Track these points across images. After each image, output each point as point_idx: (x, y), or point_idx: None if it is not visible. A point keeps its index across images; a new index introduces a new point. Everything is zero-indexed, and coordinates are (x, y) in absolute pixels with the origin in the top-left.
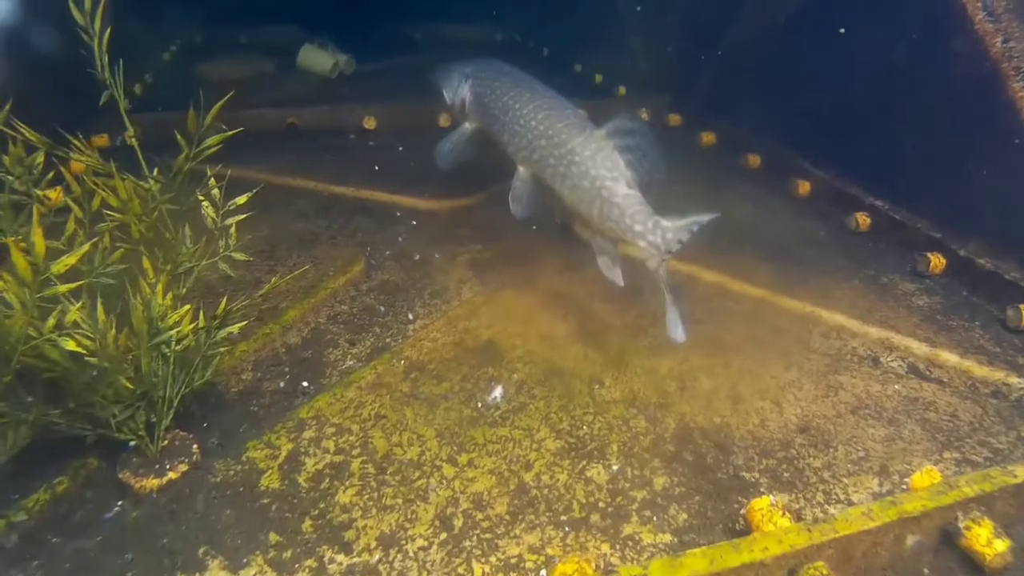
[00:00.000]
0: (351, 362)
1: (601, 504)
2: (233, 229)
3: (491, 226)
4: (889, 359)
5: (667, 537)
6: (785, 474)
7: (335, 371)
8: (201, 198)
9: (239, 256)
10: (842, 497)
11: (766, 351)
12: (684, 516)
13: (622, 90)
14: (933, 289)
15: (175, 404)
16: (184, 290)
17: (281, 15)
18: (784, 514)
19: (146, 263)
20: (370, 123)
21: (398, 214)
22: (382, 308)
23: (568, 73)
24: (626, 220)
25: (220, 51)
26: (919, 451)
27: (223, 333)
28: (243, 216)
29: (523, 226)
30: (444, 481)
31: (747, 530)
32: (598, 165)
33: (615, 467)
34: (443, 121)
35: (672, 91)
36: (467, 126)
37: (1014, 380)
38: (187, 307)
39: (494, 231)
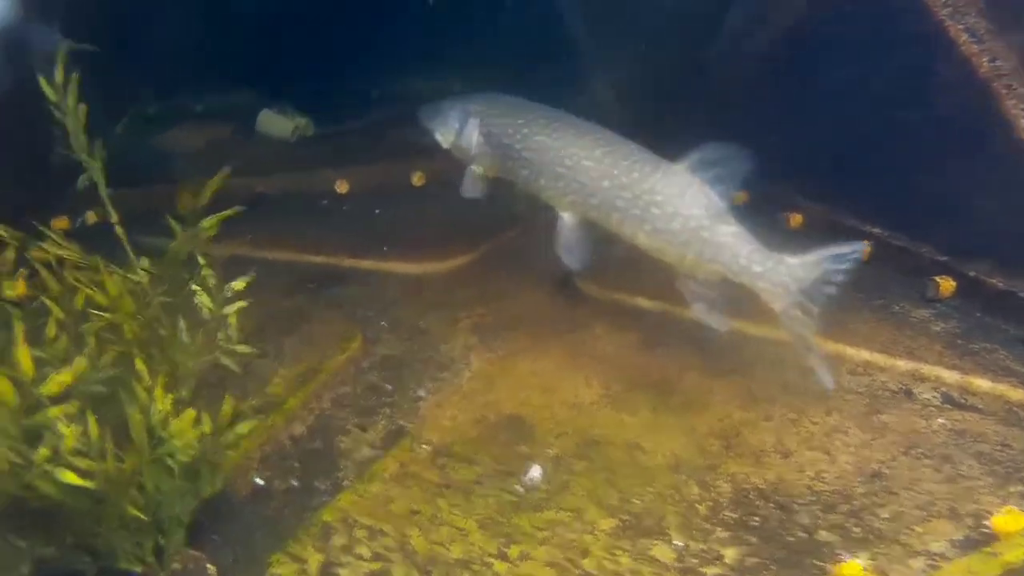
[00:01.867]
0: (367, 451)
1: None
2: (233, 318)
3: (488, 287)
4: (922, 391)
5: None
6: (855, 529)
7: (350, 462)
8: (196, 287)
9: (243, 349)
10: (920, 548)
11: (801, 397)
12: None
13: None
14: (947, 314)
15: (185, 522)
16: (186, 392)
17: (235, 81)
18: None
19: (140, 365)
20: (343, 187)
21: (387, 281)
22: (388, 386)
23: None
24: (740, 261)
25: (175, 121)
26: (983, 488)
27: (232, 435)
28: (243, 303)
29: (522, 285)
30: None
31: None
32: (689, 204)
33: (678, 542)
34: (416, 180)
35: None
36: (474, 169)
37: None
38: (190, 412)
39: (492, 292)
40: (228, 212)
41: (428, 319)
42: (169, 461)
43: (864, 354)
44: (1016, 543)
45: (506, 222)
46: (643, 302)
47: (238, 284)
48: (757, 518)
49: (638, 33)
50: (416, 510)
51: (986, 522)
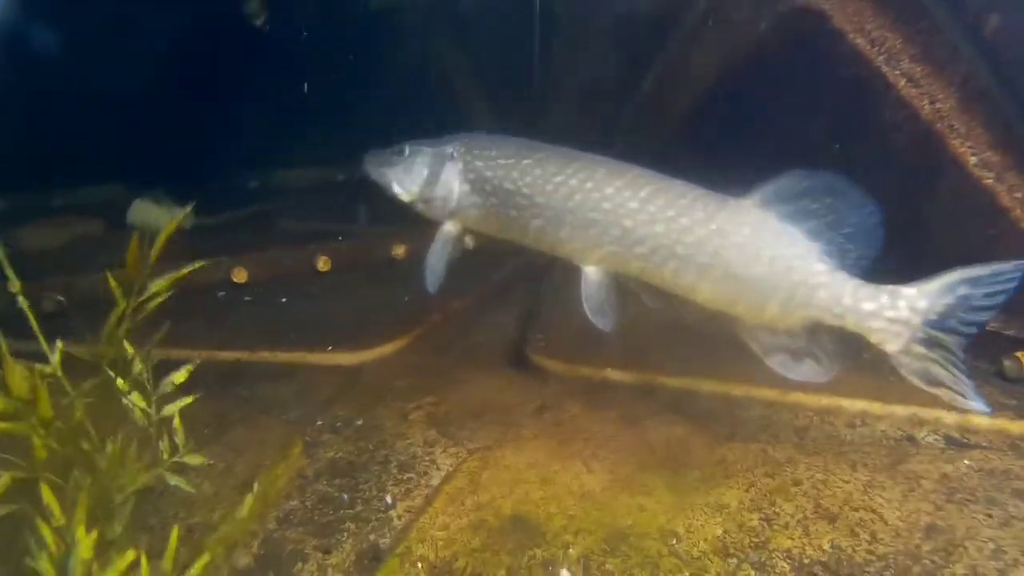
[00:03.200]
0: None
1: None
2: (177, 421)
3: (431, 372)
4: (925, 435)
5: None
6: None
7: None
8: (123, 385)
9: (196, 460)
10: None
11: (820, 456)
12: None
13: None
14: None
15: None
16: (120, 527)
17: (100, 174)
18: None
19: (47, 496)
20: (240, 275)
21: (315, 375)
22: (345, 496)
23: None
24: (844, 301)
25: (31, 217)
26: None
27: None
28: (190, 399)
29: (470, 369)
30: None
31: None
32: (772, 242)
33: None
34: (322, 265)
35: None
36: (449, 228)
37: None
38: (129, 553)
39: (437, 377)
40: (159, 298)
41: (371, 414)
42: None
43: (859, 404)
44: None
45: (432, 304)
46: (613, 374)
47: (178, 376)
48: None
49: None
50: None
51: None
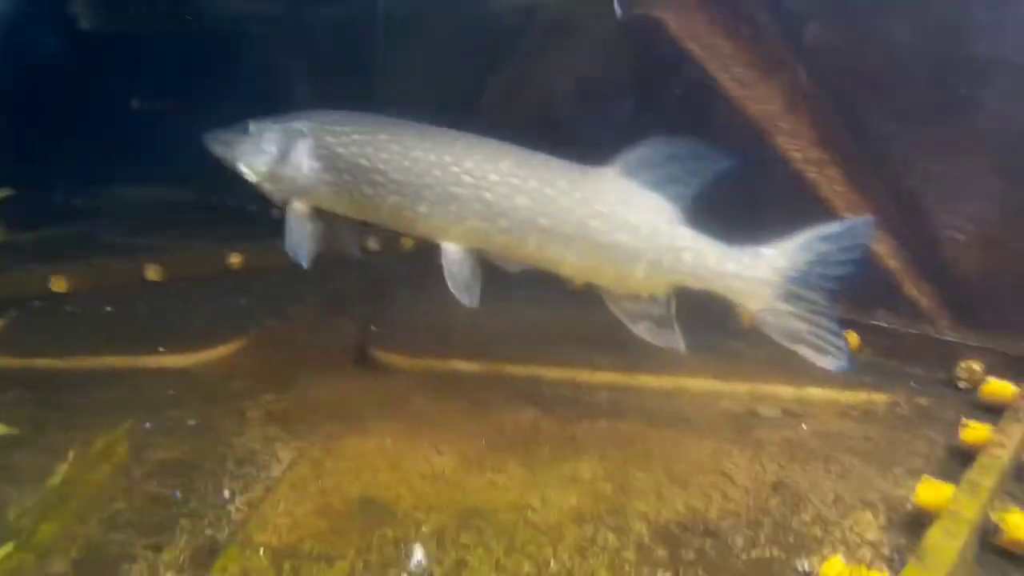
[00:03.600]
0: (171, 575)
1: None
2: None
3: (269, 373)
4: (765, 409)
5: None
6: (790, 539)
7: None
8: None
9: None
10: (860, 541)
11: (668, 430)
12: None
13: None
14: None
15: None
16: None
17: None
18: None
19: None
20: (59, 284)
21: (139, 380)
22: (177, 494)
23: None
24: (708, 264)
25: None
26: (873, 476)
27: None
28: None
29: (310, 369)
30: None
31: None
32: (637, 209)
33: None
34: (151, 274)
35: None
36: (298, 207)
37: (875, 397)
38: None
39: (277, 379)
40: None
41: (205, 413)
42: None
43: (703, 384)
44: (951, 510)
45: (269, 310)
46: (460, 365)
47: None
48: (691, 550)
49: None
50: None
51: (907, 503)
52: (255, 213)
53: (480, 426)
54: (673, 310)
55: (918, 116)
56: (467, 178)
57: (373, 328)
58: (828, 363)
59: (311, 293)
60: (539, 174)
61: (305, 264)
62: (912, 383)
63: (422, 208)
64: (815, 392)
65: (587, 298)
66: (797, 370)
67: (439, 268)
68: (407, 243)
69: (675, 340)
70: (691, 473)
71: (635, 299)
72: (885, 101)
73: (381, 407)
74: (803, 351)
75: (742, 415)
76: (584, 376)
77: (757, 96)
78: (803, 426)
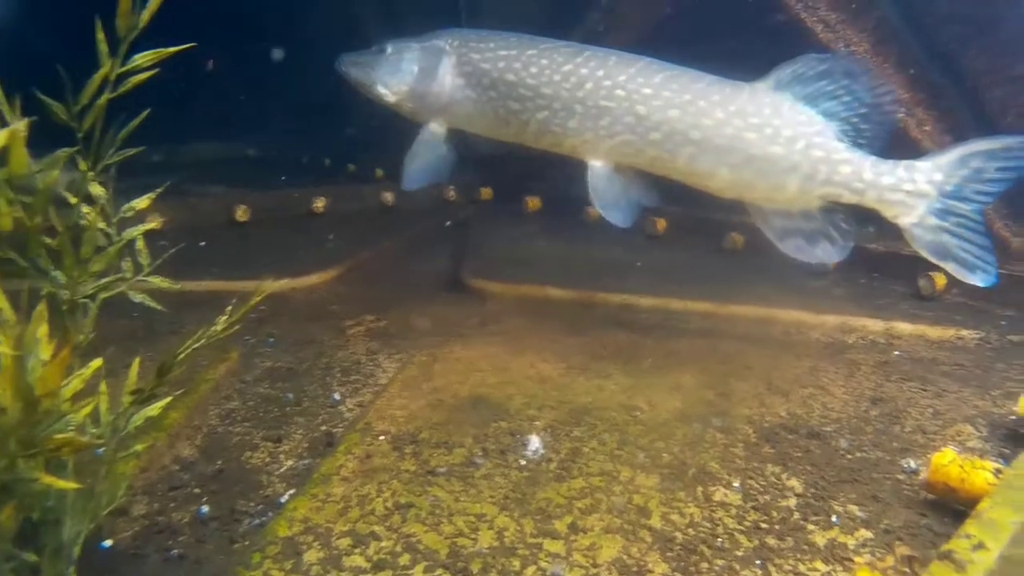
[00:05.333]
0: (292, 462)
1: (763, 525)
2: (142, 243)
3: (365, 297)
4: (854, 340)
5: (866, 533)
6: (893, 443)
7: (275, 477)
8: (73, 198)
9: (161, 283)
10: (962, 448)
11: (766, 348)
12: (854, 508)
13: (379, 172)
14: (838, 282)
15: (75, 555)
16: (84, 337)
17: None
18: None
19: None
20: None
21: (244, 301)
22: (289, 395)
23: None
24: (865, 176)
25: None
26: (969, 396)
27: (139, 418)
28: (153, 224)
29: (404, 296)
30: (560, 560)
31: (946, 494)
32: (791, 122)
33: (736, 483)
34: (240, 215)
35: (474, 167)
36: (435, 128)
37: (965, 332)
38: (97, 362)
39: (373, 301)
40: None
41: (309, 331)
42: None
43: (794, 314)
44: None
45: (360, 245)
46: (554, 292)
47: (140, 202)
48: (798, 449)
49: None
50: (409, 503)
51: (1012, 414)
52: (331, 167)
53: (580, 341)
54: (838, 223)
55: (1016, 50)
56: (620, 92)
57: (473, 263)
58: (977, 279)
59: (397, 233)
60: (693, 88)
61: (411, 187)
62: (1002, 322)
63: (572, 123)
64: (904, 326)
65: (666, 240)
66: (883, 307)
67: (520, 211)
68: (485, 193)
69: (827, 254)
70: (791, 385)
71: (786, 215)
72: (980, 36)
73: (481, 325)
74: (951, 267)
75: (834, 341)
76: (677, 304)
77: (843, 37)
78: (896, 352)
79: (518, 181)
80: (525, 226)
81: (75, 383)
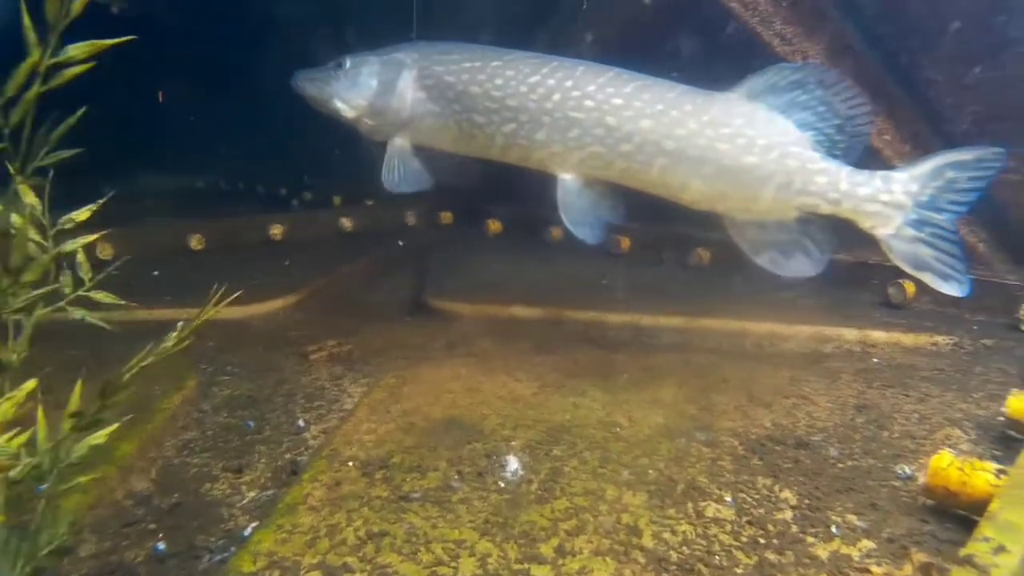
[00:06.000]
0: (254, 492)
1: (760, 539)
2: (81, 256)
3: (326, 323)
4: (830, 350)
5: (869, 543)
6: (883, 451)
7: (237, 509)
8: (19, 218)
9: (105, 298)
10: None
11: (741, 361)
12: (853, 518)
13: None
14: (805, 294)
15: None
16: (16, 354)
17: None
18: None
19: None
20: (106, 252)
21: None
22: (251, 423)
23: (294, 204)
24: (841, 187)
25: None
26: (952, 400)
27: (83, 446)
28: (96, 236)
29: (368, 319)
30: None
31: (946, 498)
32: (765, 132)
33: (728, 498)
34: (195, 243)
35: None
36: (400, 143)
37: (939, 338)
38: (30, 384)
39: (334, 326)
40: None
41: (268, 357)
42: None
43: (766, 326)
44: None
45: (317, 271)
46: (520, 311)
47: (80, 214)
48: (787, 460)
49: None
50: (382, 531)
51: (1000, 415)
52: (285, 197)
53: (552, 360)
54: (814, 235)
55: (966, 59)
56: (589, 102)
57: (435, 286)
58: (952, 289)
59: (357, 258)
60: (665, 97)
61: (397, 190)
62: (974, 327)
63: (540, 135)
64: (878, 334)
65: (630, 258)
66: (855, 316)
67: (482, 234)
68: (445, 217)
69: (803, 267)
70: (772, 396)
71: (760, 226)
72: (931, 46)
73: (448, 347)
74: (927, 277)
75: (811, 352)
76: (647, 320)
77: (800, 51)
78: (874, 360)
79: (478, 205)
80: (488, 248)
81: (4, 407)
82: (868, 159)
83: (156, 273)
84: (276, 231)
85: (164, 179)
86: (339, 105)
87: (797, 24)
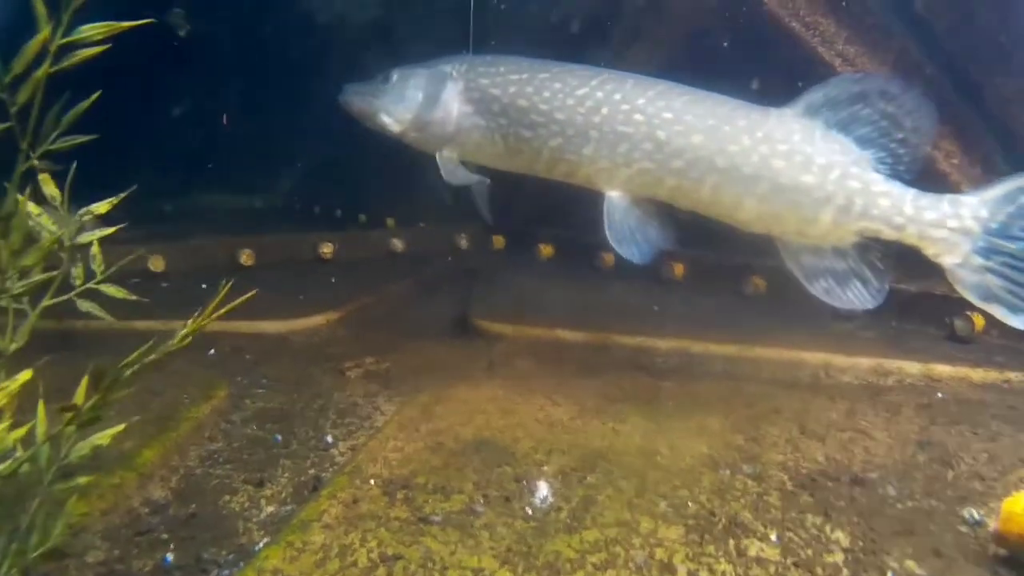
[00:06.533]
0: (272, 508)
1: None
2: (96, 248)
3: (367, 340)
4: (891, 383)
5: None
6: (948, 492)
7: (252, 524)
8: (21, 199)
9: (114, 291)
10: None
11: (795, 391)
12: (912, 564)
13: (390, 221)
14: (867, 325)
15: None
16: (13, 343)
17: None
18: None
19: None
20: (158, 264)
21: (234, 341)
22: (277, 437)
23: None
24: (905, 210)
25: None
26: None
27: (85, 446)
28: (112, 229)
29: (410, 337)
30: None
31: (1020, 547)
32: (824, 150)
33: (773, 536)
34: (245, 259)
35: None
36: (447, 155)
37: (1012, 375)
38: (25, 374)
39: (374, 343)
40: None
41: (304, 372)
42: None
43: (822, 357)
44: None
45: (361, 290)
46: (566, 334)
47: (100, 206)
48: (840, 498)
49: None
50: (397, 555)
51: None
52: (342, 218)
53: (594, 384)
54: (874, 263)
55: None
56: (638, 116)
57: (479, 305)
58: (1014, 322)
59: (404, 278)
60: (717, 112)
61: (460, 183)
62: None
63: (587, 150)
64: (943, 368)
65: (684, 286)
66: (918, 349)
67: (533, 259)
68: (497, 241)
69: (860, 298)
70: (826, 429)
71: (817, 252)
72: (1003, 62)
73: (488, 368)
74: (995, 310)
75: (870, 384)
76: (697, 347)
77: (863, 71)
78: (938, 395)
79: (531, 229)
80: (537, 272)
81: None
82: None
83: (204, 286)
84: (326, 249)
85: (223, 198)
86: (385, 119)
87: (860, 43)
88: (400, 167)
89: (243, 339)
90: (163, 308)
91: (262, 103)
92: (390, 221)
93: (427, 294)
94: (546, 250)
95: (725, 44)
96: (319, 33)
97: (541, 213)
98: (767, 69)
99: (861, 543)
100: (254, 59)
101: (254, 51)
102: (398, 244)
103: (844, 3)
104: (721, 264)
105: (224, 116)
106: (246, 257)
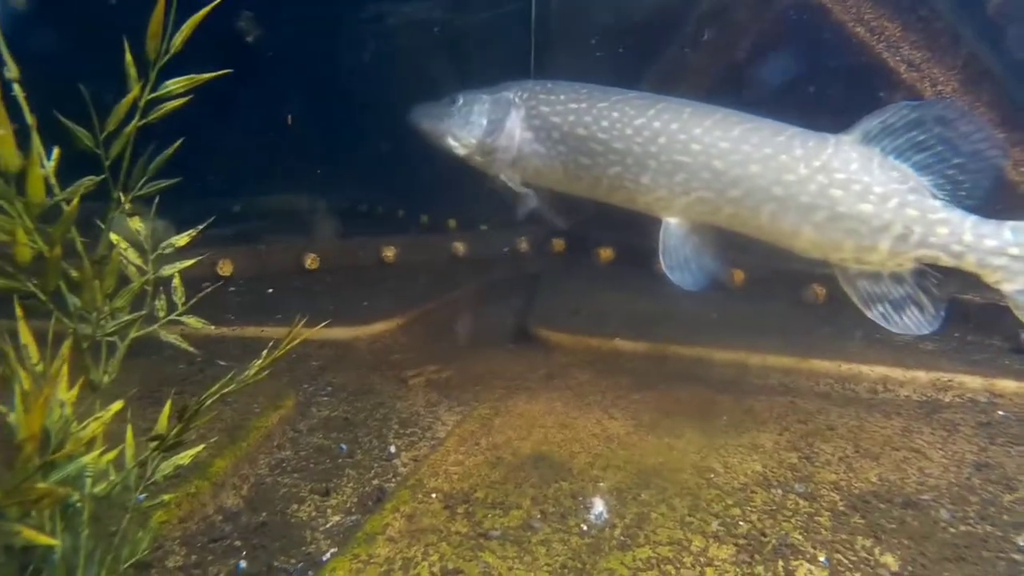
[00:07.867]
0: (338, 518)
1: None
2: (177, 280)
3: (429, 348)
4: (950, 399)
5: None
6: (1004, 517)
7: (319, 533)
8: (115, 238)
9: (195, 323)
10: None
11: (850, 407)
12: None
13: (451, 223)
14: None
15: None
16: (107, 375)
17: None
18: None
19: (24, 334)
20: (226, 268)
21: (300, 348)
22: (343, 447)
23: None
24: (965, 238)
25: None
26: None
27: (168, 466)
28: (191, 262)
29: (470, 345)
30: None
31: None
32: (882, 178)
33: (822, 558)
34: (309, 263)
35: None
36: (510, 175)
37: None
38: (116, 405)
39: (439, 353)
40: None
41: (368, 380)
42: (74, 497)
43: (880, 370)
44: None
45: (424, 296)
46: (623, 345)
47: (180, 239)
48: (892, 520)
49: None
50: (456, 569)
51: None
52: (404, 218)
53: (650, 397)
54: (930, 289)
55: None
56: (695, 146)
57: (539, 314)
58: None
59: (465, 284)
60: (774, 141)
61: (534, 199)
62: None
63: (645, 179)
64: (1007, 384)
65: (743, 293)
66: (980, 363)
67: (591, 263)
68: (557, 244)
69: (917, 323)
70: (881, 447)
71: (874, 278)
72: None
73: (546, 378)
74: None
75: (928, 400)
76: (754, 359)
77: (929, 77)
78: (999, 413)
79: (590, 233)
80: (596, 277)
81: (93, 427)
82: (1002, 192)
83: (271, 291)
84: (389, 253)
85: (290, 198)
86: (451, 142)
87: (927, 48)
88: (462, 169)
89: (310, 345)
90: (235, 313)
91: (329, 105)
92: (452, 222)
93: (489, 300)
94: (605, 254)
95: (788, 51)
96: (386, 38)
97: (600, 217)
98: (830, 77)
99: (911, 568)
100: (321, 63)
101: (321, 55)
102: (460, 247)
103: (911, 6)
104: (780, 271)
105: (290, 116)
106: (311, 261)
